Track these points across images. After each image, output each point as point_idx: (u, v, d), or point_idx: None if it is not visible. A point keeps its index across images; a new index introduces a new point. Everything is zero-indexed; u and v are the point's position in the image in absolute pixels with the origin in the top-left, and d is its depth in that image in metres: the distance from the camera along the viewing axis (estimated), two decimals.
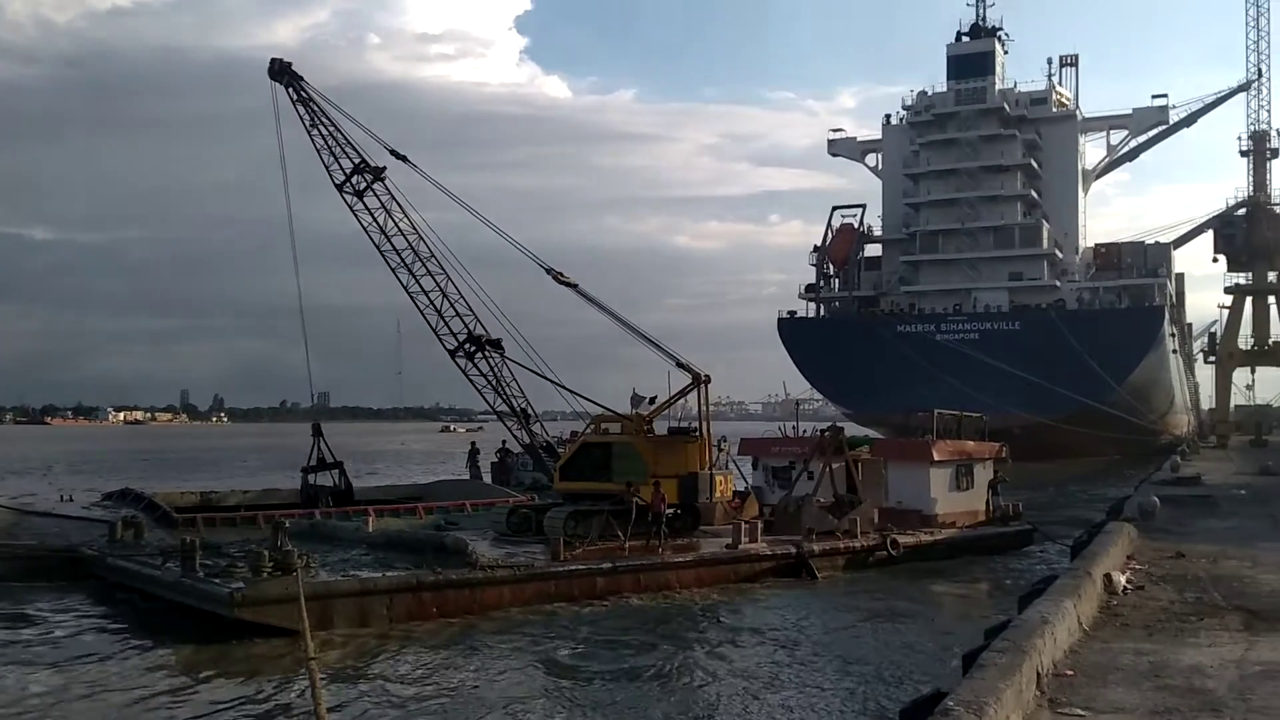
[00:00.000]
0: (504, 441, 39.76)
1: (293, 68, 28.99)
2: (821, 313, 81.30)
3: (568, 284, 27.92)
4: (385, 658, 16.47)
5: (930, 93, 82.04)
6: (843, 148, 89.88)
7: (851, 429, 43.72)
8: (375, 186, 28.09)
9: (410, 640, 17.47)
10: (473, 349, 26.38)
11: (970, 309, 75.11)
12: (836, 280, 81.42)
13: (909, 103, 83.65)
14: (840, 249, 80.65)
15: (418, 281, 27.39)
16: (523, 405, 27.47)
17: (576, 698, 14.61)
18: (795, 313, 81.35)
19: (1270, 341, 76.76)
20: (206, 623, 17.57)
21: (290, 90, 28.88)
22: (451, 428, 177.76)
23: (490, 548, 24.69)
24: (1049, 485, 47.10)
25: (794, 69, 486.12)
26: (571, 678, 15.60)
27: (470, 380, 26.58)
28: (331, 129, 28.41)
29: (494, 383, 26.67)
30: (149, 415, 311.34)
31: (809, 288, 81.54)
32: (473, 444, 43.25)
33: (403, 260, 27.48)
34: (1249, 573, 13.81)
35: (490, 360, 26.50)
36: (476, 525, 28.75)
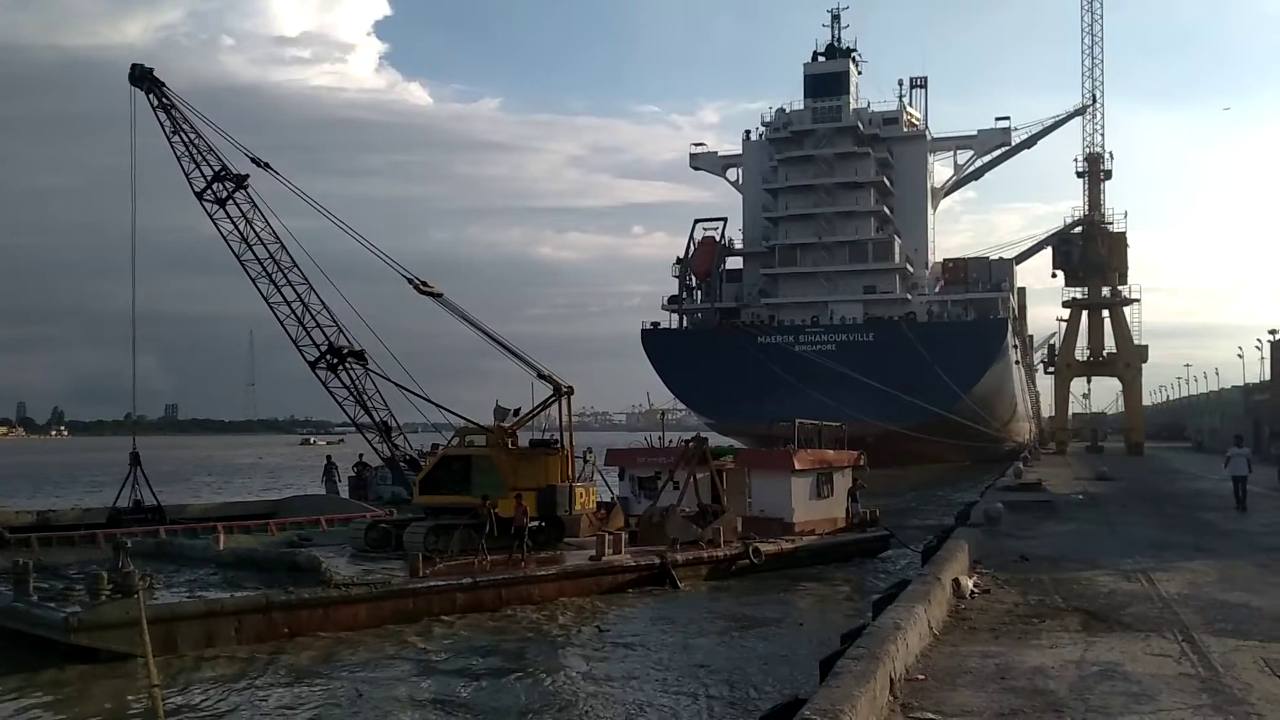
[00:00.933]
0: (360, 455, 38.84)
1: (154, 73, 27.81)
2: (684, 324, 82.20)
3: (431, 293, 27.45)
4: (233, 682, 15.73)
5: (788, 110, 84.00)
6: (704, 162, 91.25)
7: (715, 439, 44.35)
8: (236, 195, 27.07)
9: (261, 663, 16.72)
10: (334, 360, 25.57)
11: (827, 321, 77.04)
12: (699, 292, 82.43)
13: (768, 119, 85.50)
14: (702, 261, 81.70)
15: (279, 291, 26.38)
16: (384, 418, 26.77)
17: (436, 714, 14.28)
18: (659, 324, 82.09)
19: (1105, 352, 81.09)
20: (41, 650, 16.54)
21: (151, 96, 27.66)
22: (311, 440, 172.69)
23: (348, 564, 24.07)
24: (903, 491, 48.63)
25: (659, 83, 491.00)
26: (431, 694, 15.21)
27: (331, 392, 25.73)
28: (193, 136, 27.31)
29: (355, 395, 25.88)
30: None
31: (672, 299, 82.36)
32: (328, 458, 42.16)
33: (264, 269, 26.48)
34: (1087, 575, 14.46)
35: (352, 372, 25.74)
36: (333, 542, 27.99)
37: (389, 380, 26.13)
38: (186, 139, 27.18)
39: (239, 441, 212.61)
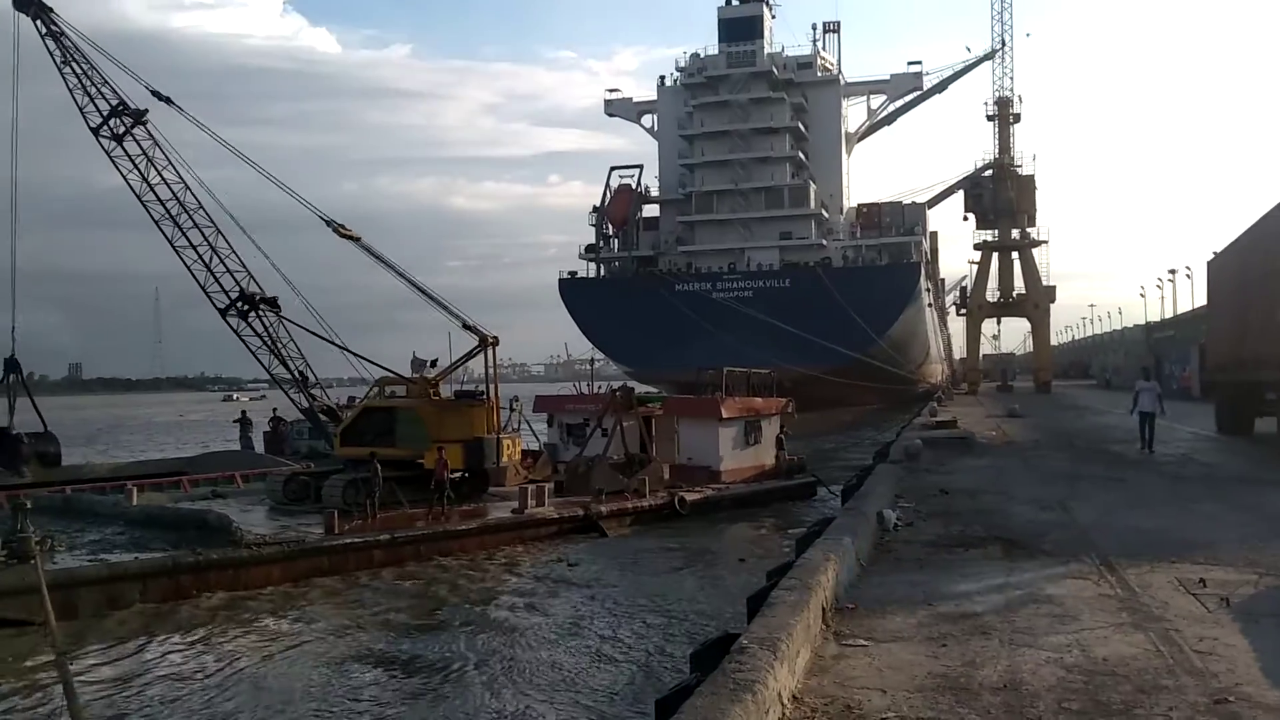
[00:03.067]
0: (275, 409, 38.08)
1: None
2: (602, 273, 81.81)
3: (350, 236, 26.86)
4: (140, 647, 15.23)
5: (703, 55, 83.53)
6: (619, 108, 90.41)
7: (638, 388, 44.40)
8: (135, 131, 25.75)
9: (169, 627, 16.17)
10: (245, 307, 24.70)
11: (744, 268, 77.27)
12: (616, 240, 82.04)
13: (682, 65, 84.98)
14: (618, 209, 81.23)
15: (184, 235, 25.23)
16: (300, 369, 26.14)
17: (353, 671, 14.09)
18: (576, 273, 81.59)
19: (1014, 294, 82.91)
20: None
21: (39, 23, 26.13)
22: (234, 396, 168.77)
23: (266, 519, 23.67)
24: (823, 435, 49.30)
25: (575, 28, 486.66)
26: (344, 651, 14.98)
27: (244, 342, 24.93)
28: (86, 67, 25.90)
29: (269, 344, 25.09)
30: None
31: (589, 248, 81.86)
32: (242, 412, 41.31)
33: (167, 211, 25.28)
34: (1005, 506, 14.79)
35: (265, 320, 24.97)
36: (250, 496, 27.53)
37: (304, 329, 25.51)
38: (79, 70, 25.83)
39: (149, 400, 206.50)
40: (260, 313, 24.81)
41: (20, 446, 25.28)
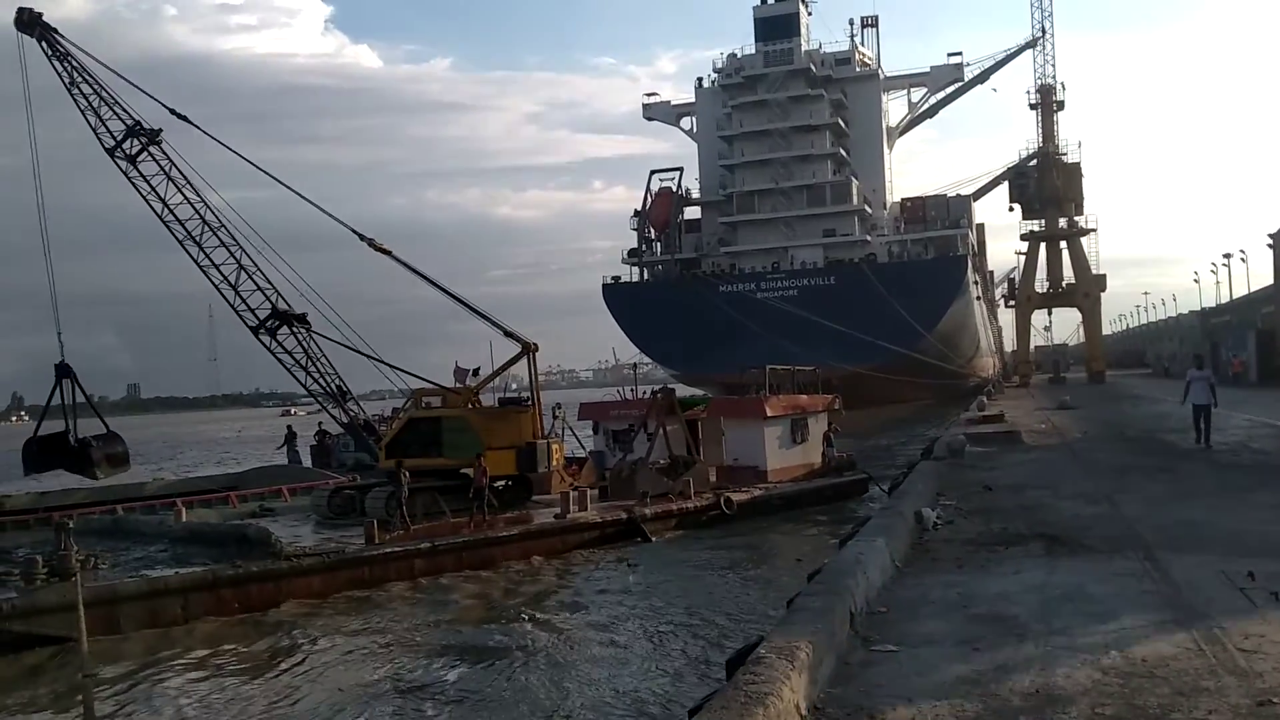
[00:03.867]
0: (320, 423, 38.43)
1: (43, 18, 26.08)
2: (645, 277, 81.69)
3: (382, 250, 27.01)
4: (181, 662, 15.36)
5: (739, 55, 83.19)
6: (657, 112, 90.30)
7: (682, 391, 44.14)
8: (152, 150, 25.79)
9: (211, 640, 16.35)
10: (276, 324, 24.77)
11: (788, 267, 76.76)
12: (658, 244, 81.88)
13: (719, 65, 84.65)
14: (660, 213, 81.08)
15: (208, 255, 25.31)
16: (337, 383, 26.27)
17: (401, 683, 14.07)
18: (619, 278, 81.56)
19: (1064, 284, 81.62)
20: None
21: (44, 44, 26.08)
22: (293, 411, 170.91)
23: (312, 533, 23.87)
24: (874, 432, 48.77)
25: (615, 35, 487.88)
26: (389, 664, 14.96)
27: (278, 359, 25.05)
28: (96, 87, 25.89)
29: (303, 360, 25.19)
30: None
31: (631, 252, 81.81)
32: (289, 427, 41.75)
33: (188, 231, 25.38)
34: (1049, 501, 14.42)
35: (298, 336, 25.05)
36: (297, 511, 27.78)
37: (338, 344, 25.61)
38: (89, 90, 25.79)
39: (206, 418, 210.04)
40: (293, 329, 24.90)
41: (90, 451, 25.55)
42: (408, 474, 22.85)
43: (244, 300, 24.39)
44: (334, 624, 17.25)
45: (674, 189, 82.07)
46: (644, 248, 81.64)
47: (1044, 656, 6.87)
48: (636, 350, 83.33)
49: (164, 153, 25.55)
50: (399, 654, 15.45)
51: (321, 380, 25.65)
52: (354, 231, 26.81)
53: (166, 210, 25.09)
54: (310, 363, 25.20)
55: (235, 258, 24.30)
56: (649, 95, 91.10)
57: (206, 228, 24.77)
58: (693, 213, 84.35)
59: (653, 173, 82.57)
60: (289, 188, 27.94)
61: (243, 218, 25.27)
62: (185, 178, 25.23)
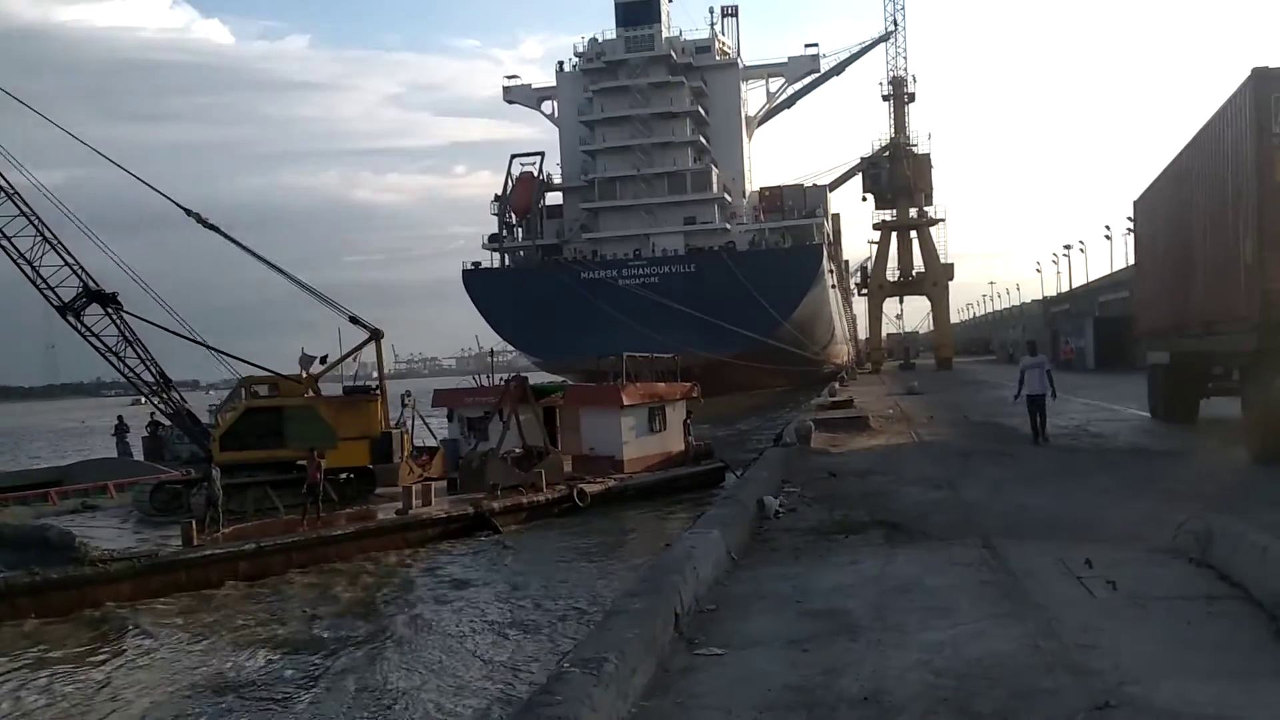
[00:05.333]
0: (152, 414, 36.21)
1: None
2: (506, 263, 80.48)
3: (209, 225, 25.38)
4: None
5: (601, 40, 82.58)
6: (518, 95, 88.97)
7: (545, 378, 43.22)
8: None
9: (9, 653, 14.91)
10: (84, 303, 22.75)
11: (649, 254, 76.67)
12: (519, 230, 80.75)
13: (581, 49, 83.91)
14: (521, 198, 79.85)
15: None
16: (157, 370, 24.51)
17: (208, 685, 12.99)
18: (480, 264, 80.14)
19: (914, 272, 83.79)
20: None
21: None
22: (143, 400, 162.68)
23: (133, 532, 22.26)
24: (734, 420, 48.90)
25: (478, 17, 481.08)
26: (201, 672, 13.85)
27: (90, 343, 23.07)
28: None
29: (118, 344, 23.23)
30: None
31: (492, 238, 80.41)
32: (120, 418, 39.25)
33: None
34: (892, 487, 14.24)
35: (112, 318, 23.14)
36: (123, 509, 26.01)
37: (161, 328, 23.86)
38: None
39: (47, 408, 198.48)
40: (107, 310, 22.98)
41: None
42: (219, 469, 21.50)
43: (42, 277, 22.05)
44: (145, 627, 15.93)
45: (535, 174, 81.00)
46: (505, 233, 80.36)
47: (876, 658, 6.41)
48: (498, 338, 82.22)
49: None
50: (211, 656, 14.36)
51: (148, 367, 23.85)
52: (180, 206, 25.12)
53: None
54: (127, 347, 23.35)
55: (36, 226, 21.95)
56: (509, 78, 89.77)
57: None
58: (554, 198, 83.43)
59: (513, 157, 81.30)
60: (113, 161, 26.04)
61: (51, 196, 22.99)
62: None
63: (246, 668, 13.94)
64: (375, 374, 28.27)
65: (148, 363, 23.68)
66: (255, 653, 14.58)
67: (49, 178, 23.98)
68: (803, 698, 5.75)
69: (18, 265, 21.93)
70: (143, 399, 27.04)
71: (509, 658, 13.54)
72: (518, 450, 27.26)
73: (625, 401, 29.09)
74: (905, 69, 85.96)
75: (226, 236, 25.51)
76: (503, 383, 30.07)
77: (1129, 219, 33.63)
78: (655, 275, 74.04)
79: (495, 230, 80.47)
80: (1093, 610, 7.31)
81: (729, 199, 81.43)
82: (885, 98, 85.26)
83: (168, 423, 33.48)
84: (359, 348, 27.42)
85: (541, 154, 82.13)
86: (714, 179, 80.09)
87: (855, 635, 6.95)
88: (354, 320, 27.06)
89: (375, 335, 27.01)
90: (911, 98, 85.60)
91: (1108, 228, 71.44)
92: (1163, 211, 21.82)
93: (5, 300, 22.21)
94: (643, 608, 6.56)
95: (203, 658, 14.52)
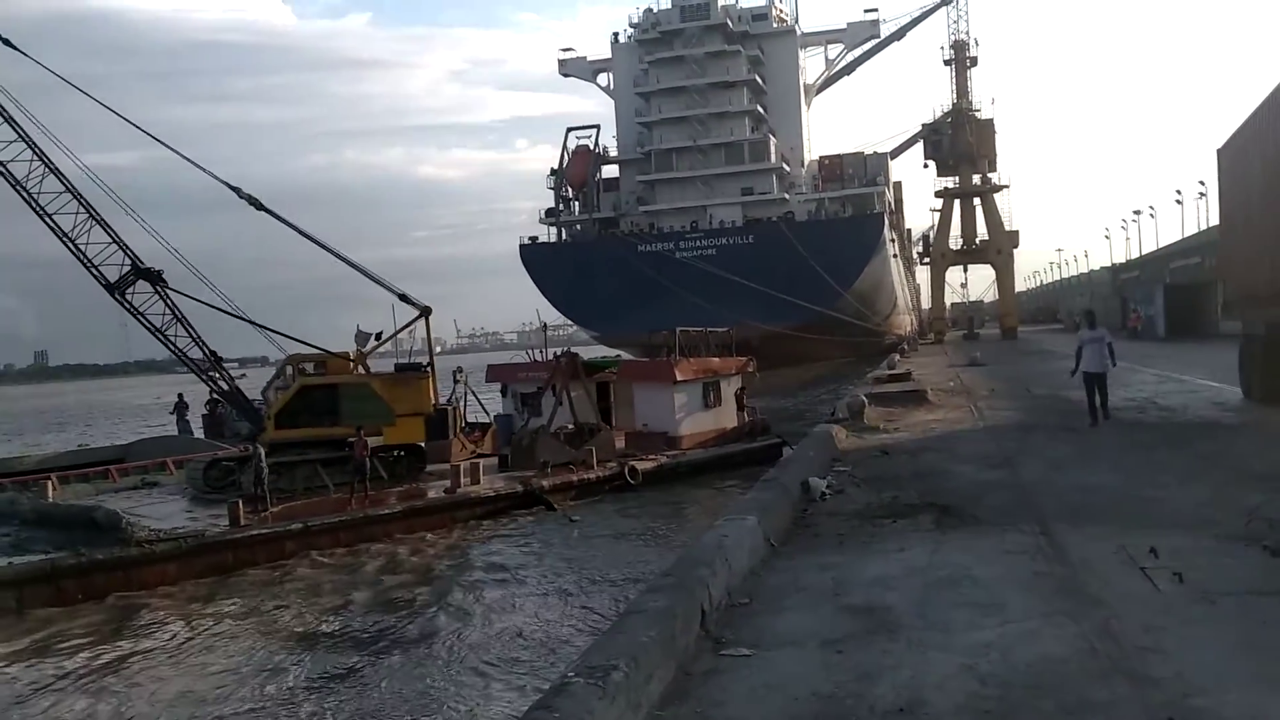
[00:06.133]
0: (212, 391, 36.55)
1: None
2: (563, 237, 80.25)
3: (260, 207, 25.40)
4: (18, 663, 13.95)
5: (655, 10, 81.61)
6: (573, 68, 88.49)
7: (602, 352, 42.78)
8: None
9: (55, 636, 14.85)
10: (131, 280, 22.66)
11: (706, 225, 75.97)
12: (576, 203, 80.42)
13: (636, 20, 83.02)
14: (577, 171, 79.55)
15: (19, 188, 22.24)
16: (211, 349, 24.59)
17: (257, 671, 12.87)
18: (536, 238, 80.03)
19: (978, 240, 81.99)
20: None
21: None
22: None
23: (187, 509, 22.42)
24: (793, 392, 48.24)
25: None
26: (254, 656, 13.76)
27: (141, 321, 23.07)
28: None
29: (170, 322, 23.23)
30: None
31: (548, 212, 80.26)
32: (179, 395, 39.70)
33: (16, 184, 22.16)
34: (946, 466, 13.61)
35: (164, 297, 23.14)
36: (181, 485, 26.28)
37: (214, 308, 23.92)
38: None
39: (120, 384, 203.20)
40: (157, 288, 23.00)
41: None
42: (264, 448, 21.52)
43: (84, 255, 21.89)
44: (193, 610, 15.91)
45: (591, 147, 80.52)
46: (561, 207, 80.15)
47: (916, 662, 5.90)
48: (557, 312, 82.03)
49: None
50: (257, 641, 14.28)
51: (200, 344, 23.91)
52: (230, 187, 25.14)
53: None
54: (179, 326, 23.38)
55: (81, 202, 21.88)
56: (565, 51, 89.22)
57: (39, 157, 21.83)
58: (611, 171, 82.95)
59: (569, 130, 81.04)
60: (161, 141, 26.16)
61: (94, 176, 22.88)
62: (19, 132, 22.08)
63: (289, 650, 13.84)
64: (436, 349, 28.29)
65: (197, 340, 23.75)
66: (297, 635, 14.47)
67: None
68: (832, 708, 5.28)
69: (64, 242, 22.01)
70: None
71: (550, 637, 13.25)
72: (569, 427, 27.00)
73: (678, 377, 28.64)
74: (967, 32, 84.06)
75: (277, 217, 25.52)
76: (554, 358, 29.82)
77: (1200, 184, 31.96)
78: (713, 247, 73.34)
79: (552, 204, 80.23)
80: (1156, 607, 6.72)
81: (787, 169, 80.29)
82: (947, 62, 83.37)
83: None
84: (408, 325, 27.45)
85: (597, 127, 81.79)
86: (772, 149, 78.96)
87: (895, 634, 6.44)
88: (403, 298, 27.07)
89: (424, 312, 27.07)
90: (974, 62, 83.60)
91: (1179, 192, 69.32)
92: (1261, 153, 18.18)
93: (79, 279, 22.24)
94: (663, 605, 6.12)
95: (248, 639, 14.45)
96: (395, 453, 25.09)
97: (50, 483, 25.62)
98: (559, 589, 16.01)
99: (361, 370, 25.62)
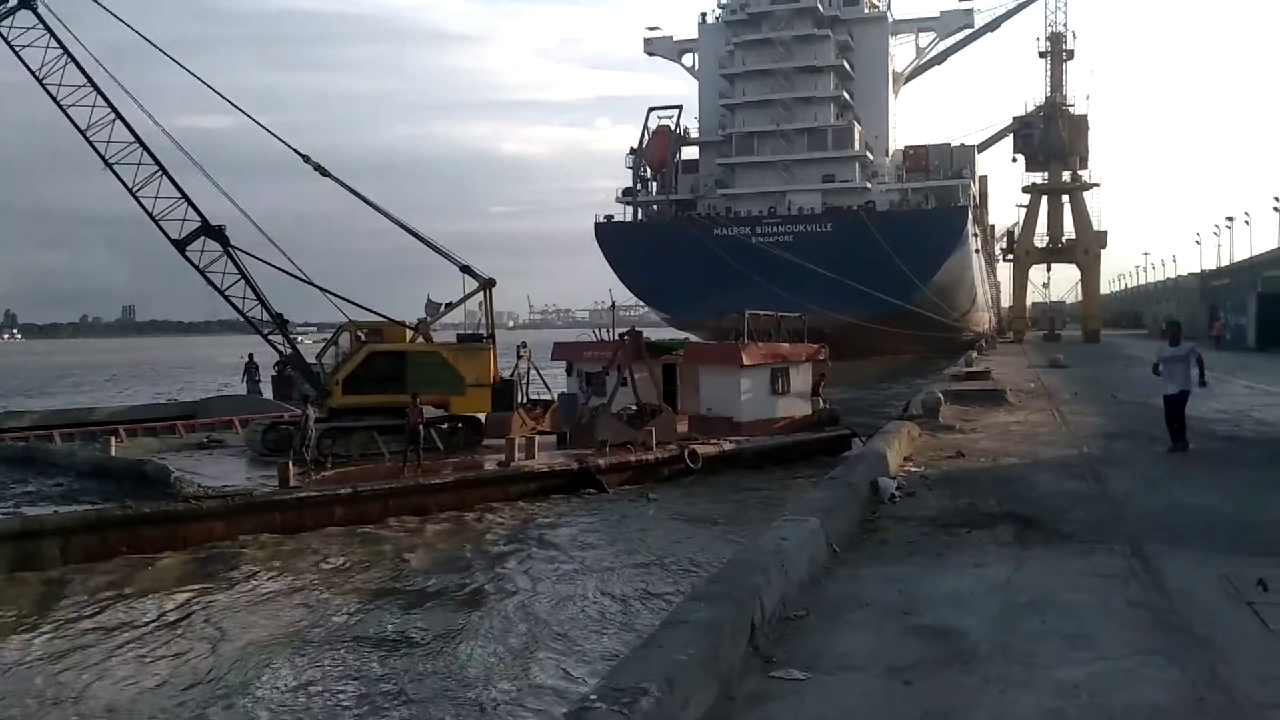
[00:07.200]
0: (281, 353, 36.71)
1: None
2: (639, 217, 79.62)
3: (326, 173, 25.16)
4: (54, 614, 13.77)
5: None
6: (659, 47, 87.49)
7: (672, 335, 42.13)
8: (21, 16, 21.87)
9: (94, 588, 14.69)
10: (196, 236, 22.42)
11: (785, 211, 74.79)
12: (654, 184, 79.70)
13: (724, 1, 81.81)
14: (656, 152, 78.75)
15: (83, 133, 21.42)
16: (278, 311, 24.44)
17: (300, 639, 12.51)
18: (613, 217, 79.52)
19: (1064, 239, 79.64)
20: None
21: None
22: (301, 339, 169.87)
23: (245, 470, 22.33)
24: (866, 386, 47.16)
25: None
26: (287, 619, 13.41)
27: (205, 278, 22.90)
28: None
29: (240, 278, 23.05)
30: None
31: (626, 191, 79.64)
32: (250, 356, 39.99)
33: (60, 105, 21.97)
34: (1028, 473, 12.75)
35: (232, 256, 22.95)
36: (244, 445, 26.32)
37: (277, 268, 23.73)
38: None
39: (205, 342, 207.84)
40: (230, 250, 22.85)
41: None
42: (313, 411, 21.34)
43: (149, 212, 21.69)
44: (239, 572, 15.65)
45: (672, 127, 79.67)
46: (639, 187, 79.50)
47: (994, 702, 5.18)
48: (629, 292, 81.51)
49: (38, 16, 22.06)
50: (296, 605, 13.98)
51: (265, 305, 23.77)
52: (297, 152, 24.93)
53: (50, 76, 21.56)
54: (251, 284, 23.21)
55: (151, 156, 21.73)
56: (651, 29, 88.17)
57: (103, 98, 21.64)
58: (690, 153, 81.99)
59: (651, 109, 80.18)
60: (237, 106, 26.11)
61: (169, 134, 22.76)
62: (94, 86, 21.86)
63: (331, 617, 13.50)
64: (508, 324, 28.03)
65: (261, 301, 23.61)
66: (339, 601, 14.14)
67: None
68: None
69: (133, 195, 21.92)
70: (301, 339, 27.32)
71: (592, 629, 12.70)
72: (633, 407, 26.45)
73: (745, 361, 27.88)
74: (1065, 24, 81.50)
75: (344, 185, 25.26)
76: (618, 338, 29.28)
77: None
78: (790, 234, 72.18)
79: (630, 184, 79.61)
80: (1271, 650, 5.91)
81: (871, 157, 78.66)
82: (1042, 54, 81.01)
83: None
84: (467, 296, 27.22)
85: (679, 107, 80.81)
86: (856, 136, 77.36)
87: (970, 666, 5.73)
88: (465, 270, 26.84)
89: (486, 284, 26.81)
90: (1070, 55, 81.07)
91: (1277, 199, 66.14)
92: None
93: (161, 237, 22.20)
94: (708, 617, 5.47)
95: (288, 604, 14.14)
96: (455, 423, 24.80)
97: (115, 436, 25.81)
98: (610, 569, 15.47)
99: (422, 340, 25.38)
